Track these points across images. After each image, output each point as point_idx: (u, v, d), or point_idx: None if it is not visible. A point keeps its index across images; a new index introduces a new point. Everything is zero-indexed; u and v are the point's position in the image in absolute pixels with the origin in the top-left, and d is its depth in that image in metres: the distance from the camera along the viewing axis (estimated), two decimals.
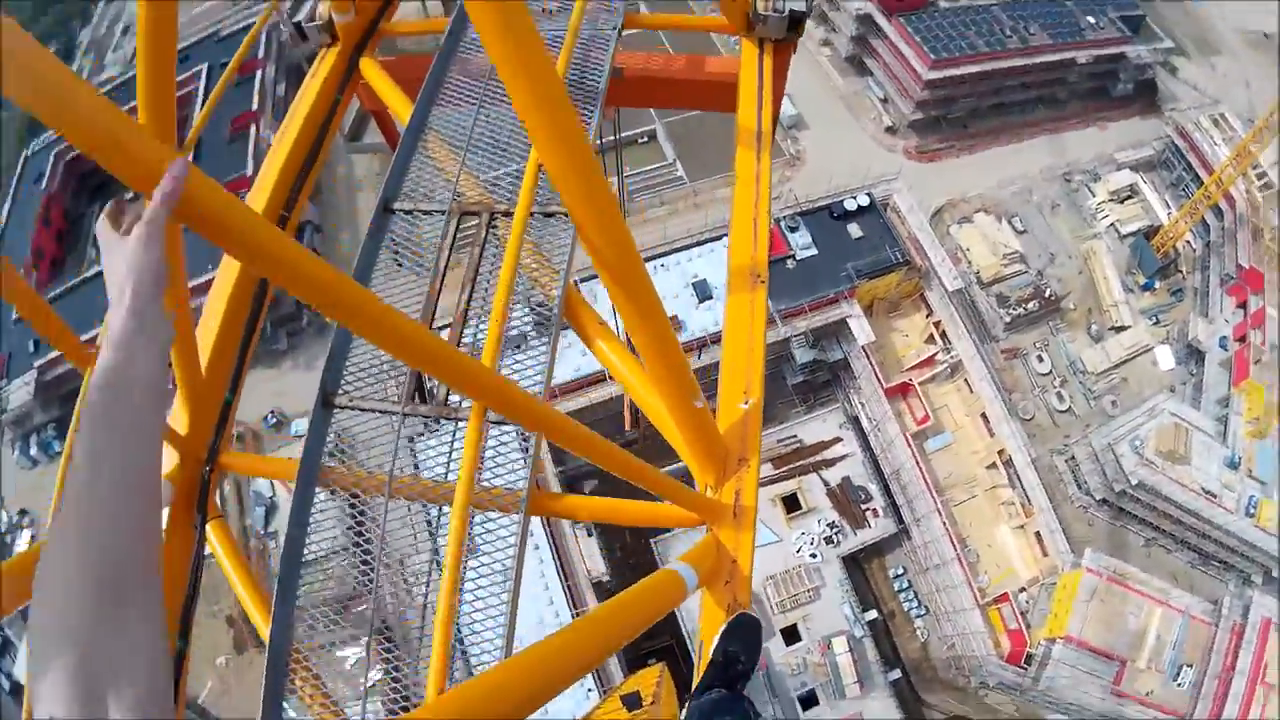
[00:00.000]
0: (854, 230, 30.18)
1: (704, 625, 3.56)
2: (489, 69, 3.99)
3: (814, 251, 29.78)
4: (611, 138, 6.99)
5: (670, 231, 29.62)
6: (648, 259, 28.79)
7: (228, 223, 1.32)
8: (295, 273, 1.44)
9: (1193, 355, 33.98)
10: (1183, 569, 34.03)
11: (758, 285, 4.16)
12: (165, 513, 3.09)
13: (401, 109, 4.11)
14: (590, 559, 28.02)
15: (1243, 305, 35.17)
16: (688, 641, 27.06)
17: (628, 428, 9.82)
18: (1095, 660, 30.25)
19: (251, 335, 3.69)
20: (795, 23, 4.96)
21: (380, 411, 3.12)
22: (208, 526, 3.29)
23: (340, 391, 3.20)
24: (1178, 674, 31.13)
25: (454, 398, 3.12)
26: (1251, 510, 32.90)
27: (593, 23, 4.37)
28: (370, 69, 4.54)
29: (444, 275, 3.41)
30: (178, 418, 3.30)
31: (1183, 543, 33.89)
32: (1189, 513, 31.86)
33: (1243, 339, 34.76)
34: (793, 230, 30.06)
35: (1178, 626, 31.26)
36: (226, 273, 3.68)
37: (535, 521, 27.87)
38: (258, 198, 3.92)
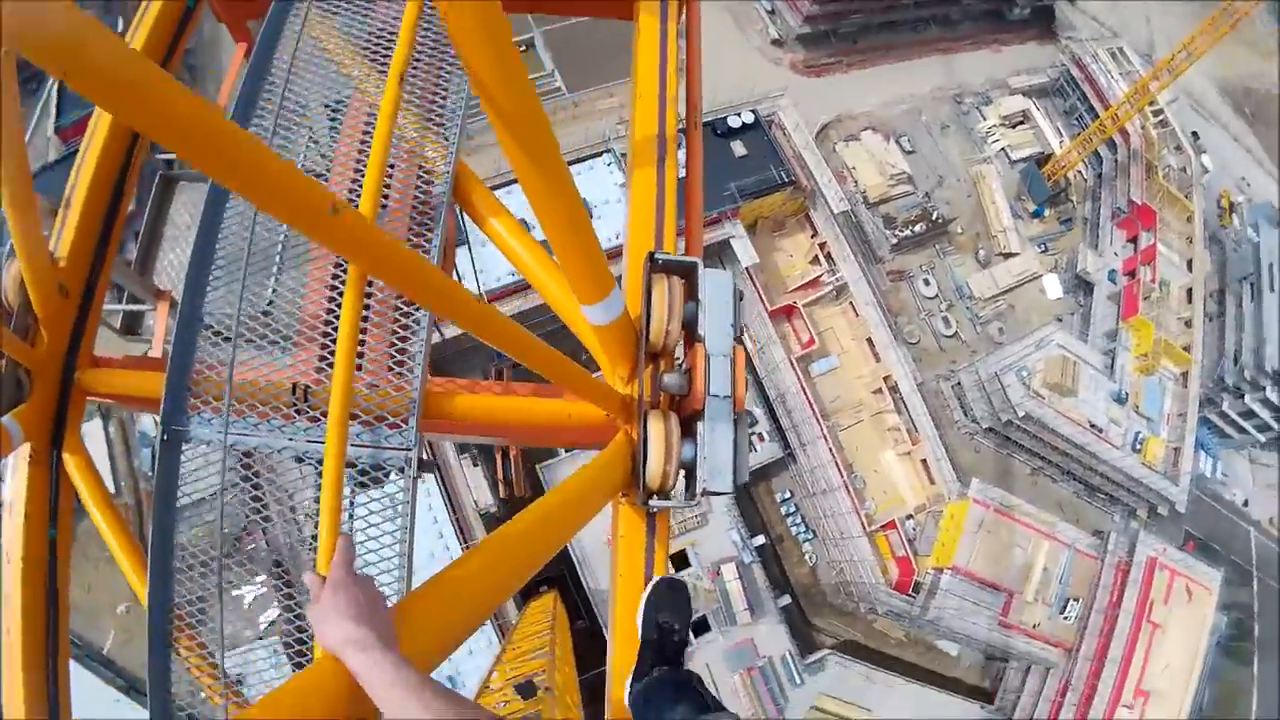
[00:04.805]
0: (737, 148, 29.19)
1: (623, 551, 3.03)
2: None
3: None
4: None
5: None
6: None
7: None
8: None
9: (1081, 286, 34.01)
10: (1069, 498, 34.30)
11: None
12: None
13: (136, 577, 2.82)
14: (477, 490, 27.00)
15: (1133, 240, 35.33)
16: (578, 568, 26.58)
17: (501, 495, 9.10)
18: (983, 591, 30.23)
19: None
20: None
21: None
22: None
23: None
24: (1064, 607, 31.39)
25: None
26: (1138, 446, 33.15)
27: None
28: (80, 470, 2.92)
29: None
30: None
31: (1068, 474, 34.15)
32: (1075, 446, 31.99)
33: (1132, 274, 34.92)
34: None
35: (1064, 560, 31.42)
36: None
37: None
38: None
